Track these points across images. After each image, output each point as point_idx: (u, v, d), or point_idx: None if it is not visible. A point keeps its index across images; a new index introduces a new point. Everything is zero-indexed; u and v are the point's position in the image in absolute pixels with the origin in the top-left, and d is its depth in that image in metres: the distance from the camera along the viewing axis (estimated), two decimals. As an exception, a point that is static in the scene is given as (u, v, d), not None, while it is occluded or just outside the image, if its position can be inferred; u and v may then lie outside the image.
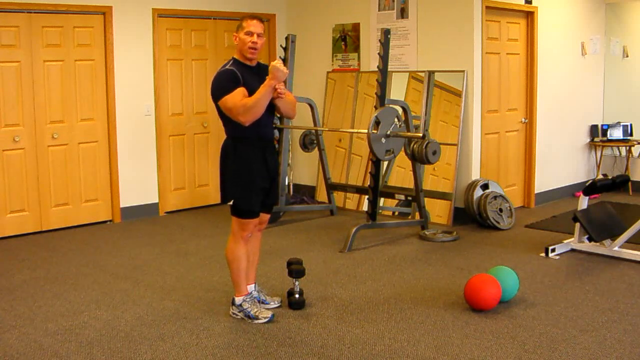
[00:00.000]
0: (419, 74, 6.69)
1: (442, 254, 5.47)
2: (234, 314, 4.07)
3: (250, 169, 3.88)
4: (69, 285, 4.73)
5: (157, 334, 3.81)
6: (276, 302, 4.26)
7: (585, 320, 3.97)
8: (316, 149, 6.88)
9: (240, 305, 4.03)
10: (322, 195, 7.44)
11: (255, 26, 3.87)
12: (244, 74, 3.83)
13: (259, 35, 3.88)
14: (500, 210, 6.31)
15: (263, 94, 3.75)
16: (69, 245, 5.86)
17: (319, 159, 6.94)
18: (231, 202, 3.92)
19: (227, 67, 3.88)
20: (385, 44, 5.65)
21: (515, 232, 6.23)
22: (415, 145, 5.66)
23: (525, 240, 5.90)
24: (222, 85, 3.80)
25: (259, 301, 4.15)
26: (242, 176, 3.88)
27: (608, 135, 8.05)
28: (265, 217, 4.15)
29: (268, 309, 4.13)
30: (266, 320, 3.98)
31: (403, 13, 6.80)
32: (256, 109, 3.74)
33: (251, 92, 3.80)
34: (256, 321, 3.98)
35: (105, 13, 6.43)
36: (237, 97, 3.74)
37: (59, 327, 3.93)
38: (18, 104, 6.06)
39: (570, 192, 7.88)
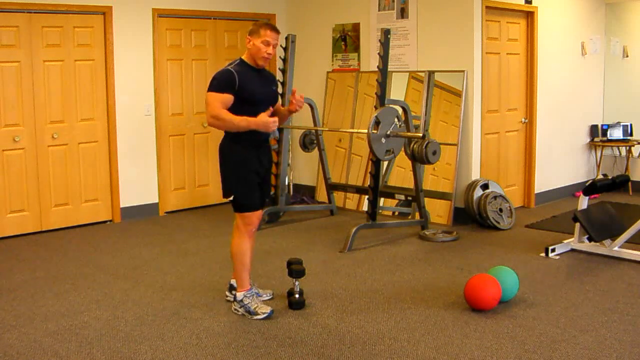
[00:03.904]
0: (419, 74, 6.69)
1: (442, 254, 5.47)
2: (235, 309, 4.14)
3: (245, 165, 4.01)
4: (69, 285, 4.73)
5: (157, 334, 3.82)
6: (268, 295, 4.38)
7: (585, 320, 3.97)
8: (316, 149, 6.88)
9: (241, 300, 4.09)
10: (322, 195, 7.44)
11: (273, 38, 3.99)
12: (245, 76, 3.94)
13: (274, 46, 4.01)
14: (500, 210, 6.31)
15: (238, 125, 3.86)
16: (69, 245, 5.86)
17: (319, 159, 6.94)
18: (231, 198, 4.03)
19: (229, 66, 4.00)
20: (385, 44, 5.65)
21: (515, 232, 6.23)
22: (415, 145, 5.66)
23: (525, 240, 5.90)
24: (214, 83, 3.94)
25: None
26: (239, 173, 4.01)
27: (608, 135, 8.05)
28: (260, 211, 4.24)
29: (261, 301, 4.20)
30: (265, 315, 4.02)
31: (403, 13, 6.80)
32: (222, 126, 3.92)
33: (250, 93, 3.94)
34: (255, 317, 4.02)
35: (105, 13, 6.43)
36: (219, 100, 3.88)
37: (59, 327, 3.93)
38: (18, 104, 6.05)
39: (570, 192, 7.88)
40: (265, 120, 3.84)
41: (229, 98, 3.88)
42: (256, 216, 4.11)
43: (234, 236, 4.13)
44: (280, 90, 6.69)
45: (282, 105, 6.51)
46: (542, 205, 7.36)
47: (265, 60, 4.01)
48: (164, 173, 7.05)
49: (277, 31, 4.01)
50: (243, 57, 4.05)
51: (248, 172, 4.02)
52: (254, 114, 3.91)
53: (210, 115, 3.90)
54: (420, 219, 6.24)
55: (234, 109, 3.90)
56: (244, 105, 3.91)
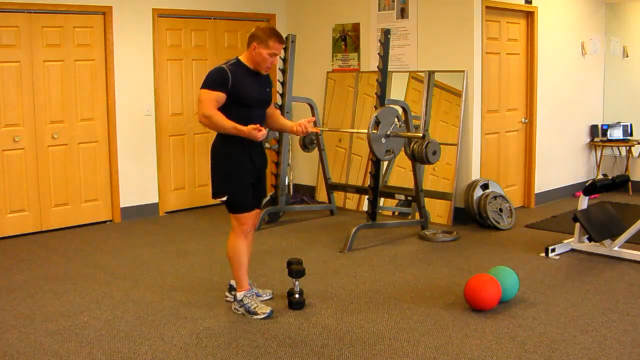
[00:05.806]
0: (419, 74, 6.69)
1: (442, 254, 5.47)
2: (235, 309, 4.14)
3: (238, 166, 4.01)
4: (69, 285, 4.73)
5: (157, 334, 3.81)
6: (268, 294, 4.38)
7: (585, 320, 3.97)
8: (316, 149, 6.88)
9: (241, 300, 4.09)
10: (322, 195, 7.44)
11: (280, 50, 4.03)
12: (240, 76, 3.93)
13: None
14: (500, 210, 6.31)
15: (228, 130, 3.89)
16: (69, 245, 5.86)
17: (319, 159, 6.94)
18: (223, 199, 4.03)
19: (225, 65, 3.99)
20: (385, 44, 5.65)
21: (515, 232, 6.23)
22: (415, 145, 5.66)
23: (525, 240, 5.90)
24: (207, 81, 3.94)
25: None
26: (232, 173, 4.01)
27: (608, 135, 8.05)
28: (256, 211, 4.23)
29: (261, 300, 4.21)
30: (265, 315, 4.02)
31: (403, 13, 6.80)
32: (212, 126, 3.96)
33: (245, 93, 3.94)
34: (255, 317, 4.03)
35: (105, 13, 6.43)
36: (212, 98, 3.87)
37: (59, 327, 3.93)
38: (18, 104, 6.06)
39: (570, 192, 7.88)
40: (254, 134, 3.83)
41: (221, 97, 3.88)
42: (251, 217, 4.09)
43: (230, 237, 4.14)
44: (280, 90, 6.71)
45: (283, 105, 6.53)
46: (542, 205, 7.36)
47: (266, 70, 4.06)
48: (164, 173, 7.05)
49: (284, 42, 4.07)
50: (240, 58, 4.03)
51: (241, 173, 4.01)
52: (248, 116, 3.93)
53: (202, 114, 3.91)
54: (420, 219, 6.24)
55: (227, 109, 3.90)
56: (237, 106, 3.91)
